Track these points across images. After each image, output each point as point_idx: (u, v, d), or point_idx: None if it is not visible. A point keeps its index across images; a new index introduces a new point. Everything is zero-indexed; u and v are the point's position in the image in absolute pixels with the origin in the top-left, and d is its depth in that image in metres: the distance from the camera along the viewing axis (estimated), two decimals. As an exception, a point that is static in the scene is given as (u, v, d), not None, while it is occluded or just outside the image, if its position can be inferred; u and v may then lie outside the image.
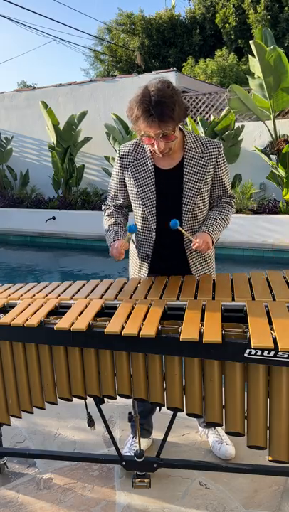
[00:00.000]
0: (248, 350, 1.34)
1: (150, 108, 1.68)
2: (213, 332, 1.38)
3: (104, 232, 2.05)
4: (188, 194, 1.90)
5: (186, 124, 7.86)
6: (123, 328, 1.49)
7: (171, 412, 1.66)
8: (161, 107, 1.67)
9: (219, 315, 1.48)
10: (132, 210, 2.05)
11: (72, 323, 1.57)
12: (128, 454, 2.04)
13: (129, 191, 2.00)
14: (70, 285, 1.99)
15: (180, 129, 1.89)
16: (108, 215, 2.09)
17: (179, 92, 1.78)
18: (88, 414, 1.92)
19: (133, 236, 2.06)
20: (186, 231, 1.89)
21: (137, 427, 1.85)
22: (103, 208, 2.14)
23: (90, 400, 1.72)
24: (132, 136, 8.54)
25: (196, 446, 2.21)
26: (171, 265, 1.97)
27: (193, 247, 1.85)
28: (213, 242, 1.90)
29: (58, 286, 1.99)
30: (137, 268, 2.08)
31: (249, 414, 1.43)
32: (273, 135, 7.49)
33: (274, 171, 7.39)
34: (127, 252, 1.96)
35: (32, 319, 1.65)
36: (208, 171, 1.90)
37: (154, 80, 1.76)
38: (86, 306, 1.70)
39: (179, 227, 1.83)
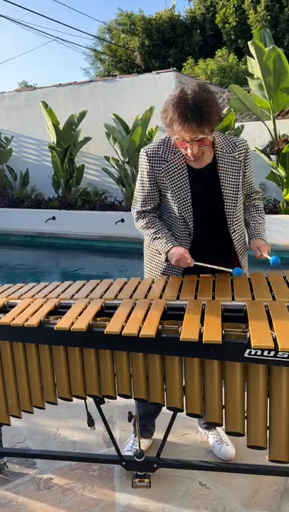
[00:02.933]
0: (248, 350, 1.33)
1: (187, 112, 1.67)
2: (213, 332, 1.38)
3: (145, 237, 1.99)
4: (229, 193, 1.89)
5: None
6: (123, 328, 1.49)
7: (171, 412, 1.66)
8: (198, 112, 1.66)
9: (219, 315, 1.48)
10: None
11: (72, 323, 1.57)
12: (129, 453, 2.04)
13: (162, 193, 1.94)
14: (70, 285, 1.99)
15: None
16: (147, 223, 1.96)
17: (215, 95, 1.77)
18: (88, 414, 1.92)
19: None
20: (233, 231, 1.93)
21: (137, 427, 1.85)
22: (135, 215, 2.02)
23: (90, 399, 1.72)
24: (132, 136, 8.54)
25: (196, 446, 2.21)
26: (214, 260, 1.89)
27: (259, 257, 1.89)
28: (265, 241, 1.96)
29: (58, 286, 1.99)
30: (164, 269, 1.99)
31: (249, 414, 1.43)
32: (273, 135, 7.49)
33: (274, 171, 7.39)
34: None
35: (32, 319, 1.65)
36: (241, 168, 1.93)
37: (191, 83, 1.75)
38: (86, 306, 1.70)
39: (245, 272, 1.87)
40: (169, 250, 1.84)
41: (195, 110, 1.66)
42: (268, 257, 1.83)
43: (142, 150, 1.97)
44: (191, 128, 1.69)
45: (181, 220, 1.92)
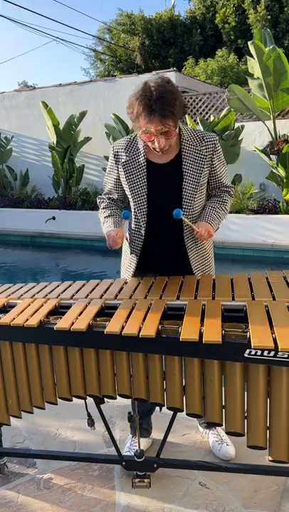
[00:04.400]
0: (248, 350, 1.33)
1: (151, 103, 1.68)
2: (213, 332, 1.38)
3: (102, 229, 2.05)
4: (188, 187, 1.90)
5: (186, 124, 7.85)
6: (123, 328, 1.49)
7: (171, 412, 1.66)
8: (162, 102, 1.68)
9: (219, 315, 1.48)
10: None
11: (72, 323, 1.57)
12: (128, 454, 2.04)
13: (123, 187, 2.01)
14: (70, 285, 1.99)
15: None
16: (103, 208, 2.08)
17: (178, 88, 1.79)
18: (88, 414, 1.92)
19: (126, 234, 2.05)
20: (185, 224, 1.90)
21: (136, 427, 1.85)
22: (98, 201, 2.13)
23: (90, 399, 1.72)
24: (132, 136, 8.54)
25: (196, 446, 2.21)
26: (166, 262, 1.97)
27: (196, 236, 1.86)
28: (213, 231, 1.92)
29: (58, 286, 1.99)
30: (126, 265, 2.08)
31: (249, 414, 1.43)
32: (273, 135, 7.49)
33: (274, 171, 7.39)
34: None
35: (32, 319, 1.65)
36: (206, 163, 1.91)
37: (154, 77, 1.77)
38: (86, 306, 1.70)
39: (183, 217, 1.84)
40: (110, 231, 1.92)
41: (159, 101, 1.68)
42: (193, 226, 1.87)
43: (115, 143, 2.03)
44: (156, 119, 1.70)
45: (137, 212, 1.95)
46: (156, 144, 1.78)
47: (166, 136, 1.76)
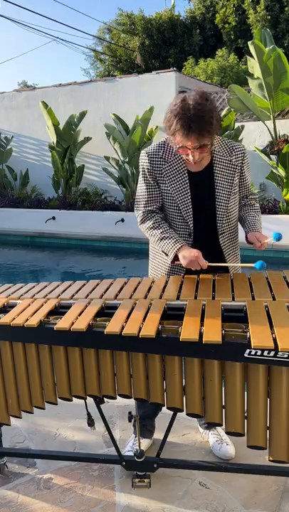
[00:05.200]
0: (248, 350, 1.33)
1: (190, 123, 1.69)
2: (213, 332, 1.38)
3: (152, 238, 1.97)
4: (221, 196, 1.92)
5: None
6: (123, 328, 1.49)
7: (171, 412, 1.66)
8: (200, 122, 1.69)
9: (219, 315, 1.48)
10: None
11: (72, 323, 1.57)
12: (130, 453, 2.04)
13: (163, 194, 1.96)
14: (70, 285, 1.99)
15: None
16: (154, 223, 1.95)
17: (215, 103, 1.80)
18: (88, 414, 1.92)
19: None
20: (221, 233, 1.95)
21: (137, 427, 1.85)
22: (140, 217, 2.00)
23: (90, 399, 1.72)
24: (132, 136, 8.54)
25: (196, 446, 2.21)
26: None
27: (259, 248, 1.90)
28: None
29: (58, 286, 1.99)
30: (168, 269, 2.00)
31: (249, 414, 1.43)
32: (273, 135, 7.49)
33: (274, 171, 7.39)
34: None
35: (32, 319, 1.65)
36: (236, 173, 1.95)
37: (192, 92, 1.76)
38: (86, 306, 1.70)
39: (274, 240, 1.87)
40: (178, 249, 1.84)
41: (197, 121, 1.69)
42: (271, 240, 1.88)
43: (142, 151, 1.99)
44: (193, 138, 1.72)
45: (182, 221, 1.95)
46: (190, 157, 1.80)
47: (201, 150, 1.78)
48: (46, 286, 2.02)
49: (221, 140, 1.95)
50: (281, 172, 7.18)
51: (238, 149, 1.96)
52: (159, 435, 2.10)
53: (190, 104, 1.71)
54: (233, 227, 2.01)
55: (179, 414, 1.63)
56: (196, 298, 1.65)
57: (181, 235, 1.95)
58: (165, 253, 1.93)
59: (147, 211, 1.99)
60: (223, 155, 1.93)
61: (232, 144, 1.96)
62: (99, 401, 1.77)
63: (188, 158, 1.82)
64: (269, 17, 16.00)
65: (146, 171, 1.95)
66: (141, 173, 1.99)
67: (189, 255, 1.79)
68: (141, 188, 2.00)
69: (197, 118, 1.69)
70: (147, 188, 1.97)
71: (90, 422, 1.93)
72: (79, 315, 1.63)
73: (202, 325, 1.43)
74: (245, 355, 1.34)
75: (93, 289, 1.89)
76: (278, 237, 1.83)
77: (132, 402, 1.96)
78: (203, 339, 1.35)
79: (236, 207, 2.01)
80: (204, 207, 1.94)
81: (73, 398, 1.70)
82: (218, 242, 1.97)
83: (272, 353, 1.30)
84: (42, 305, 1.77)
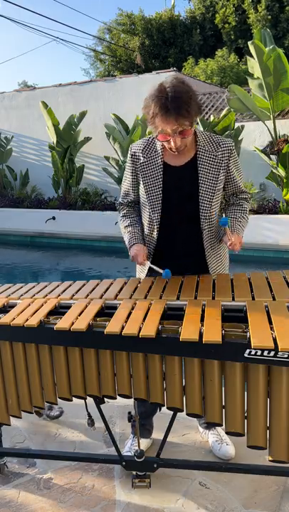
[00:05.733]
0: (248, 350, 1.33)
1: (167, 103, 1.70)
2: (213, 332, 1.38)
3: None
4: (205, 192, 1.91)
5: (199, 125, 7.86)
6: (123, 328, 1.49)
7: (171, 412, 1.66)
8: (177, 102, 1.70)
9: (219, 315, 1.48)
10: None
11: (72, 323, 1.57)
12: (129, 453, 2.04)
13: (139, 188, 2.01)
14: (70, 285, 1.99)
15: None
16: (123, 216, 2.10)
17: (193, 88, 1.81)
18: (88, 414, 1.92)
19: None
20: (204, 230, 1.93)
21: (136, 427, 1.85)
22: (118, 207, 2.16)
23: (90, 399, 1.72)
24: (132, 136, 8.54)
25: (196, 446, 2.21)
26: (184, 264, 1.95)
27: (228, 246, 1.85)
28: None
29: (58, 286, 1.99)
30: (140, 267, 2.09)
31: (249, 414, 1.43)
32: (273, 135, 7.49)
33: (274, 171, 7.39)
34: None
35: (32, 319, 1.65)
36: (222, 169, 1.92)
37: (168, 78, 1.79)
38: (86, 306, 1.70)
39: (227, 226, 1.86)
40: (131, 246, 1.95)
41: (174, 101, 1.70)
42: (229, 236, 1.84)
43: (132, 145, 2.04)
44: (172, 118, 1.72)
45: (151, 214, 1.96)
46: (172, 143, 1.80)
47: (182, 135, 1.78)
48: (46, 286, 2.02)
49: (207, 135, 1.95)
50: (281, 172, 7.18)
51: (225, 145, 1.93)
52: (159, 435, 2.10)
53: (166, 87, 1.74)
54: (213, 225, 1.98)
55: (179, 414, 1.63)
56: (196, 298, 1.65)
57: (150, 223, 1.98)
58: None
59: (120, 203, 2.12)
60: (208, 150, 1.91)
61: (219, 140, 1.94)
62: (99, 401, 1.77)
63: (170, 146, 1.82)
64: (269, 17, 16.00)
65: (128, 164, 2.02)
66: (126, 163, 2.06)
67: (132, 251, 1.93)
68: (122, 181, 2.11)
69: (174, 98, 1.70)
70: (125, 181, 2.07)
71: (90, 422, 1.93)
72: (79, 315, 1.63)
73: (202, 325, 1.43)
74: (245, 355, 1.34)
75: (93, 289, 1.89)
76: (224, 222, 1.84)
77: (132, 402, 1.95)
78: (203, 339, 1.35)
79: (218, 204, 1.99)
80: (184, 202, 1.93)
81: (73, 398, 1.70)
82: (201, 237, 1.95)
83: (272, 353, 1.30)
84: (42, 305, 1.77)
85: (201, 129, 7.90)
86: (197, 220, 1.92)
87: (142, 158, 1.96)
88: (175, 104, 1.70)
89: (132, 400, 1.64)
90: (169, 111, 1.71)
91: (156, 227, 1.96)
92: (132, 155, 2.00)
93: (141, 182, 1.97)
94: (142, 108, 1.83)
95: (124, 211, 2.10)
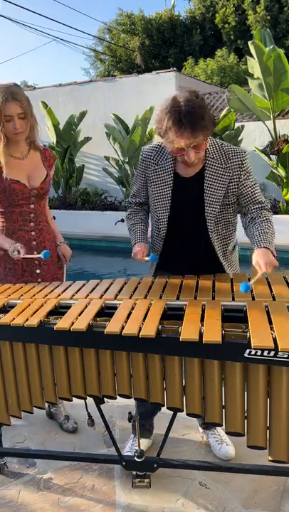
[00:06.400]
0: (248, 350, 1.33)
1: (181, 118, 1.67)
2: (213, 332, 1.38)
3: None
4: (211, 206, 1.88)
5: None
6: (123, 328, 1.49)
7: (171, 412, 1.66)
8: (192, 116, 1.66)
9: (219, 315, 1.48)
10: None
11: (72, 323, 1.57)
12: (129, 453, 2.04)
13: (149, 194, 2.02)
14: (70, 285, 1.99)
15: None
16: (129, 214, 2.13)
17: (206, 103, 1.79)
18: (88, 414, 1.92)
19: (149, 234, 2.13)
20: (213, 240, 1.93)
21: (137, 427, 1.85)
22: (126, 205, 2.18)
23: (90, 399, 1.72)
24: (132, 136, 8.54)
25: (196, 446, 2.21)
26: (197, 266, 1.94)
27: (261, 275, 1.66)
28: (273, 253, 1.77)
29: (58, 286, 1.99)
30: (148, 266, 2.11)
31: (249, 414, 1.43)
32: (273, 135, 7.49)
33: (274, 171, 7.39)
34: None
35: (32, 319, 1.65)
36: (231, 182, 1.87)
37: (182, 91, 1.76)
38: (86, 306, 1.70)
39: (251, 283, 1.60)
40: (134, 244, 1.98)
41: (188, 115, 1.66)
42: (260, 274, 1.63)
43: (142, 148, 2.05)
44: (186, 133, 1.68)
45: (158, 223, 1.98)
46: (186, 157, 1.77)
47: (196, 149, 1.75)
48: (46, 286, 2.02)
49: (219, 145, 1.90)
50: (281, 172, 7.18)
51: (236, 156, 1.87)
52: (159, 435, 2.10)
53: (180, 101, 1.70)
54: (225, 237, 1.97)
55: (179, 414, 1.63)
56: (196, 298, 1.65)
57: (157, 232, 2.01)
58: None
59: (129, 202, 2.15)
60: (216, 161, 1.87)
61: (230, 150, 1.89)
62: (99, 401, 1.77)
63: (184, 159, 1.78)
64: (269, 17, 16.01)
65: (140, 166, 2.03)
66: (137, 169, 2.06)
67: (134, 249, 1.96)
68: (133, 181, 2.11)
69: (188, 113, 1.66)
70: (136, 182, 2.08)
71: (90, 422, 1.93)
72: (79, 315, 1.63)
73: (202, 325, 1.43)
74: (245, 355, 1.34)
75: (93, 289, 1.89)
76: (246, 288, 1.56)
77: (132, 402, 1.95)
78: (203, 339, 1.35)
79: (232, 216, 1.96)
80: (190, 214, 1.92)
81: (73, 398, 1.70)
82: (212, 247, 1.95)
83: (272, 353, 1.30)
84: (42, 305, 1.77)
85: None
86: (206, 232, 1.92)
87: (152, 165, 1.96)
88: (189, 118, 1.66)
89: (132, 399, 1.64)
90: (184, 125, 1.66)
91: (162, 234, 1.98)
92: (143, 160, 1.99)
93: (150, 189, 1.98)
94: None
95: (132, 209, 2.13)
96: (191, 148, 1.74)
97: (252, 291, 1.61)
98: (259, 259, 1.70)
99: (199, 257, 1.97)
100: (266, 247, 1.77)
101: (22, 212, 2.19)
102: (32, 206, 2.21)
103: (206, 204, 1.89)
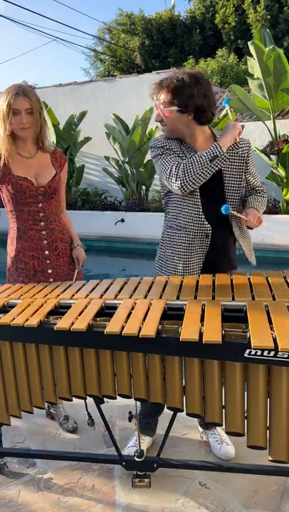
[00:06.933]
0: (248, 350, 1.33)
1: (161, 80, 1.93)
2: (213, 332, 1.38)
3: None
4: (232, 189, 1.97)
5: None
6: (123, 328, 1.49)
7: (171, 412, 1.66)
8: (169, 78, 1.88)
9: (219, 315, 1.48)
10: None
11: (72, 323, 1.57)
12: (133, 448, 2.04)
13: None
14: (70, 285, 1.99)
15: (209, 128, 2.00)
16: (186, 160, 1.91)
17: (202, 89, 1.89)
18: (88, 414, 1.92)
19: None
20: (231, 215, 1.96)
21: (137, 427, 1.85)
22: (175, 175, 1.89)
23: (90, 399, 1.72)
24: (132, 136, 8.54)
25: (196, 446, 2.21)
26: (213, 258, 2.00)
27: (246, 224, 1.94)
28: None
29: (58, 286, 1.99)
30: (173, 264, 2.03)
31: (249, 414, 1.43)
32: (273, 135, 7.49)
33: (274, 171, 7.39)
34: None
35: (32, 319, 1.65)
36: (243, 166, 1.99)
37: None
38: (86, 306, 1.70)
39: (232, 211, 1.86)
40: (216, 145, 1.85)
41: (168, 78, 1.91)
42: (241, 216, 1.89)
43: (154, 138, 2.09)
44: (157, 88, 1.96)
45: (193, 211, 1.95)
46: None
47: (164, 106, 1.89)
48: (46, 286, 2.02)
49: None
50: (281, 172, 7.18)
51: (244, 143, 2.00)
52: (159, 435, 2.10)
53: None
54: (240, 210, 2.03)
55: (179, 414, 1.63)
56: (196, 298, 1.65)
57: (198, 217, 1.95)
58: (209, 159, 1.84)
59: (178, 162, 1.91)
60: (230, 148, 1.95)
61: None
62: (99, 401, 1.77)
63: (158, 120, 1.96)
64: (269, 17, 16.00)
65: (166, 146, 1.95)
66: (161, 150, 1.96)
67: (231, 130, 1.92)
68: (167, 161, 1.93)
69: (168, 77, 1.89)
70: (175, 156, 1.93)
71: (90, 422, 1.93)
72: (79, 315, 1.63)
73: (202, 325, 1.43)
74: (245, 355, 1.34)
75: (93, 289, 1.89)
76: (225, 209, 1.83)
77: (132, 402, 1.95)
78: (203, 339, 1.35)
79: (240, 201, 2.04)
80: (213, 196, 1.96)
81: (73, 398, 1.70)
82: (231, 232, 2.02)
83: (272, 353, 1.30)
84: (42, 305, 1.77)
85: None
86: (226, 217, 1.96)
87: (177, 144, 1.96)
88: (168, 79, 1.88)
89: (132, 399, 1.64)
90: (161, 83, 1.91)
91: (209, 230, 1.97)
92: (164, 143, 1.95)
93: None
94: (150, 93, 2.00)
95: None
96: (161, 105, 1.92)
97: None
98: (248, 211, 1.93)
99: (220, 246, 2.02)
100: (255, 208, 1.98)
101: (31, 212, 2.19)
102: (40, 205, 2.20)
103: (226, 189, 1.96)
